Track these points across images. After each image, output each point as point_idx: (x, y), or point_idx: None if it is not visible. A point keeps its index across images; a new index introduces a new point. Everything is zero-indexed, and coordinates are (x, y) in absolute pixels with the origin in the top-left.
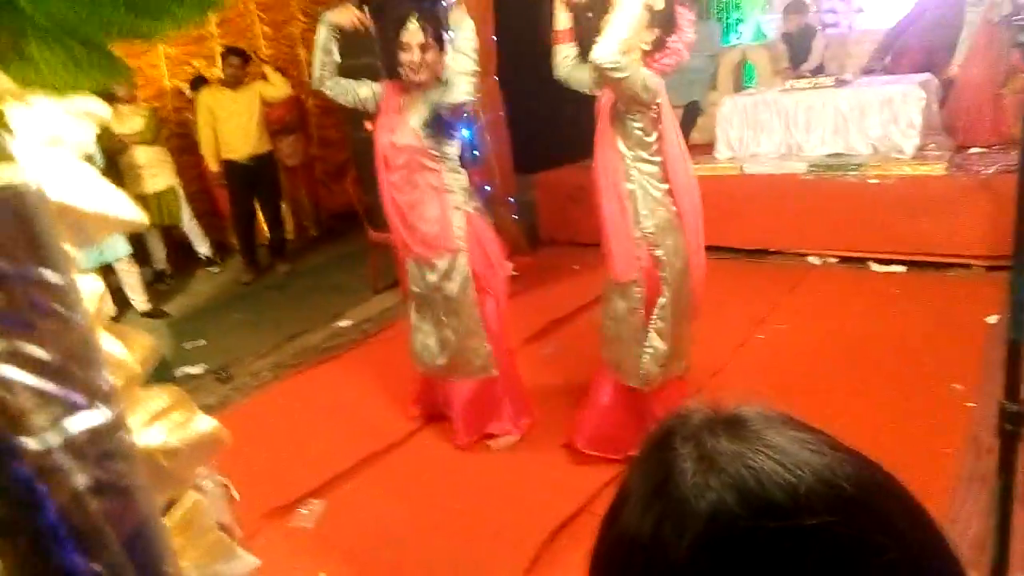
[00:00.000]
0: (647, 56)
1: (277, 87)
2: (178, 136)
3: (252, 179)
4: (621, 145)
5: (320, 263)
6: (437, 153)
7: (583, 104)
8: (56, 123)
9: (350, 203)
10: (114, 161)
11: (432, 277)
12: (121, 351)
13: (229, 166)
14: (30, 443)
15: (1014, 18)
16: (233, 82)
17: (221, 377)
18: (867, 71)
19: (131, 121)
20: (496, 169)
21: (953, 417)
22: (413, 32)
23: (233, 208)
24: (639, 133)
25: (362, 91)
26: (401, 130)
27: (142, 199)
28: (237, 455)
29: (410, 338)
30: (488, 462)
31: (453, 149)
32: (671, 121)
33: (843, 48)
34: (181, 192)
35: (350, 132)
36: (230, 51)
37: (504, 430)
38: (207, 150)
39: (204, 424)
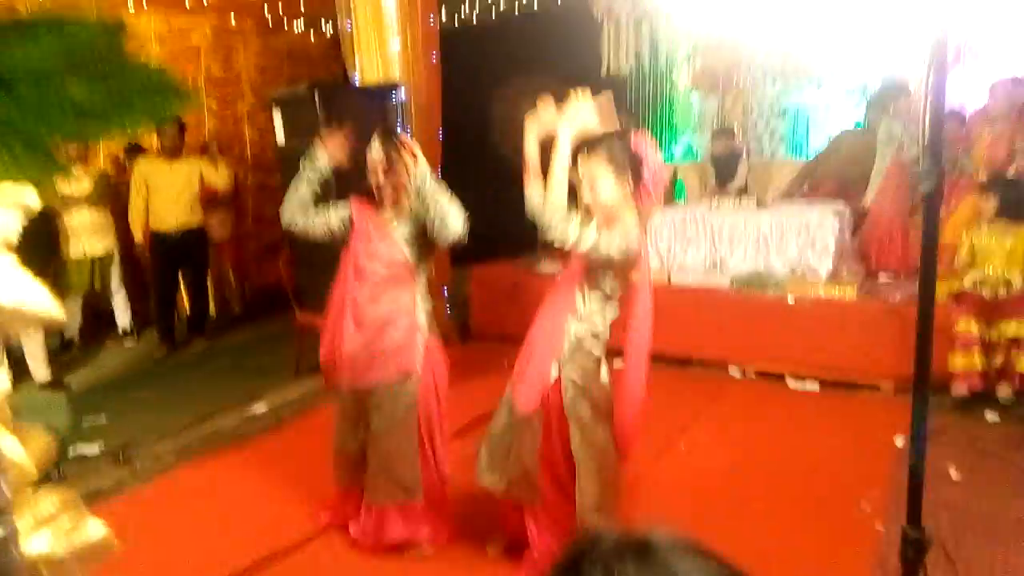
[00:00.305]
0: (631, 199)
1: (222, 177)
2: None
3: (180, 253)
4: (583, 288)
5: (242, 342)
6: (419, 269)
7: (523, 203)
8: None
9: (279, 282)
10: (51, 219)
11: (376, 397)
12: (19, 453)
13: (157, 237)
14: None
15: (912, 170)
16: (169, 152)
17: (118, 459)
18: (787, 196)
19: (79, 182)
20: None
21: (862, 538)
22: (376, 153)
23: (155, 280)
24: (604, 289)
25: (333, 221)
26: (386, 243)
27: (77, 262)
28: (124, 547)
29: (333, 445)
30: (399, 571)
31: (429, 267)
32: (646, 273)
33: (766, 173)
34: (116, 258)
35: None
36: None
37: (418, 542)
38: (136, 219)
39: (94, 530)
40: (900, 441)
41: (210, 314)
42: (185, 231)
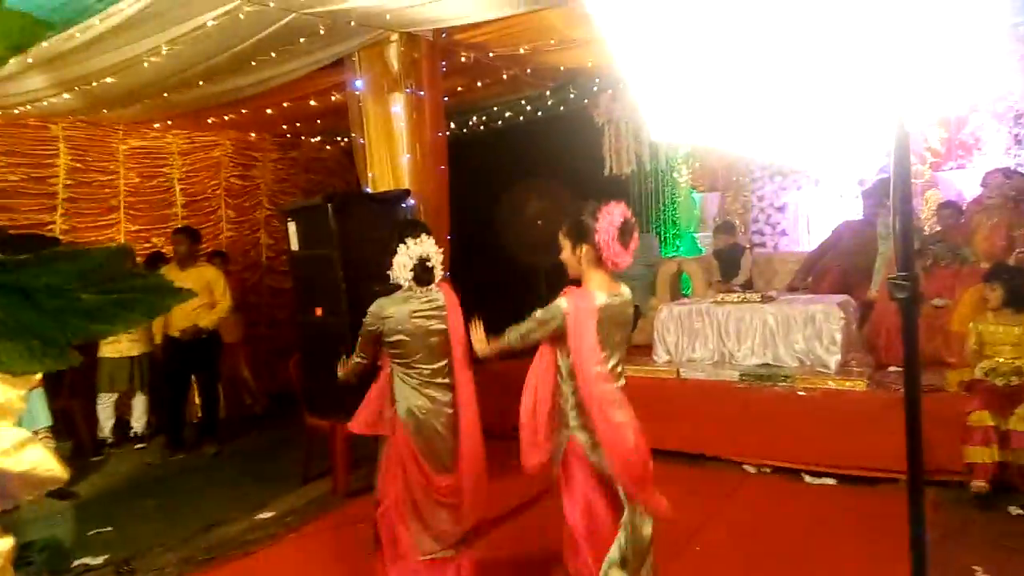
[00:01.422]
0: (596, 265)
1: (221, 307)
2: None
3: (192, 356)
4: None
5: (251, 447)
6: None
7: (532, 304)
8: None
9: (291, 385)
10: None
11: None
12: None
13: (170, 341)
14: None
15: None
16: (182, 260)
17: (122, 570)
18: (791, 288)
19: None
20: None
21: None
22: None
23: (167, 384)
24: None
25: None
26: None
27: (113, 361)
28: None
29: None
30: None
31: None
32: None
33: (769, 266)
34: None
35: (299, 314)
36: (179, 231)
37: None
38: (155, 325)
39: None
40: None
41: (220, 417)
42: (184, 338)
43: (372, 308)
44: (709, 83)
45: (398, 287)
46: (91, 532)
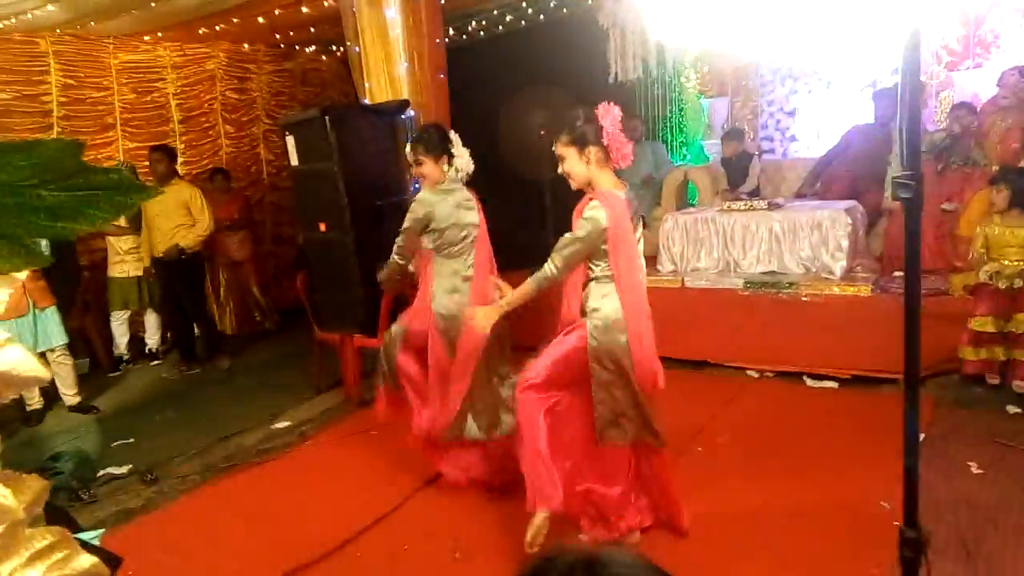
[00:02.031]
0: (604, 165)
1: (200, 226)
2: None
3: (175, 278)
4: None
5: (265, 360)
6: None
7: (533, 212)
8: None
9: (298, 300)
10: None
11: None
12: (7, 499)
13: (157, 263)
14: None
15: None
16: (161, 178)
17: (146, 479)
18: (799, 196)
19: None
20: None
21: (882, 536)
22: (407, 154)
23: (163, 303)
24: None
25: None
26: None
27: (121, 281)
28: (151, 564)
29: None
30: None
31: None
32: (625, 241)
33: (778, 173)
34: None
35: (303, 230)
36: (155, 148)
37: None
38: (143, 246)
39: (83, 562)
40: (921, 436)
41: (228, 333)
42: (169, 257)
43: (420, 198)
44: None
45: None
46: (114, 444)
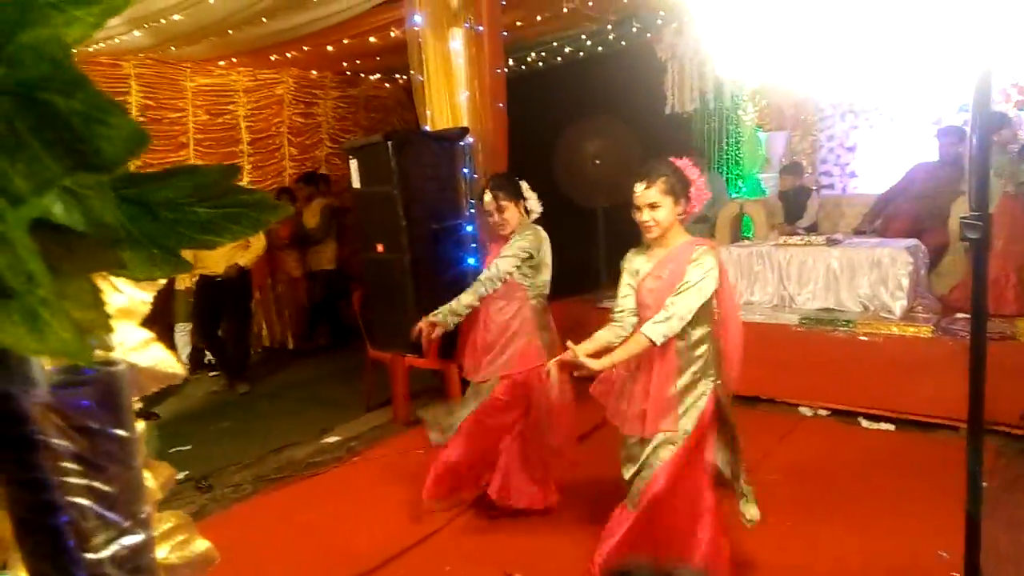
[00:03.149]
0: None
1: (256, 246)
2: None
3: (226, 294)
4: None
5: (316, 375)
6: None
7: (586, 240)
8: (125, 299)
9: (353, 317)
10: None
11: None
12: (151, 481)
13: (202, 280)
14: (89, 556)
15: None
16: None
17: (201, 486)
18: (858, 232)
19: None
20: None
21: None
22: (488, 201)
23: (200, 321)
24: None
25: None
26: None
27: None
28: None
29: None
30: None
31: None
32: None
33: (837, 209)
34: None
35: (362, 250)
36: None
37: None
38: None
39: (200, 545)
40: (983, 485)
41: (249, 356)
42: (228, 276)
43: (533, 230)
44: (778, 16)
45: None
46: (171, 450)
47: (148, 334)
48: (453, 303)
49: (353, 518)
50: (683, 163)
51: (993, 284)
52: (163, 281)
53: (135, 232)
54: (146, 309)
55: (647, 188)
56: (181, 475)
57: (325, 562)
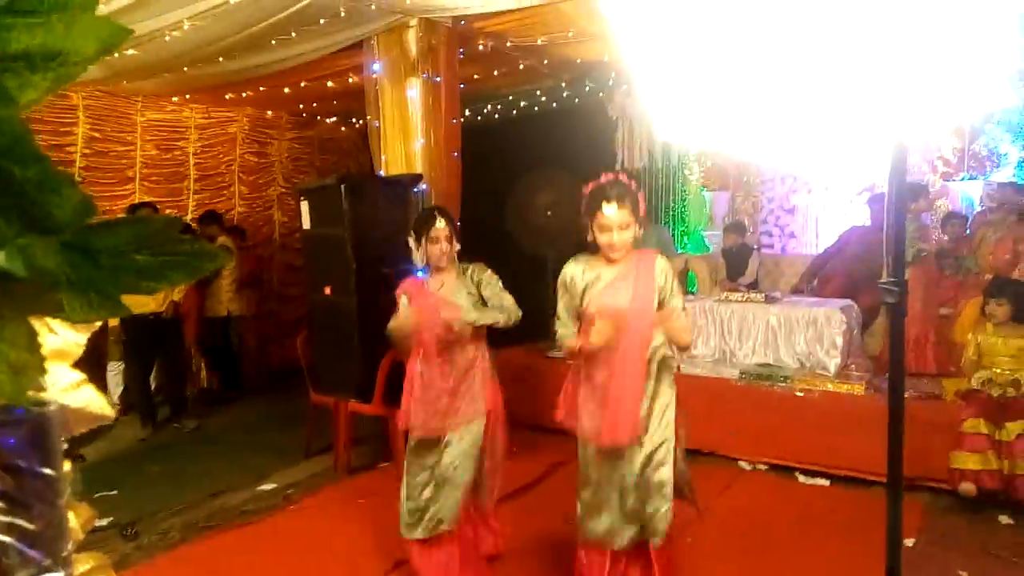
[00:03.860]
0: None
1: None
2: None
3: (155, 336)
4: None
5: (257, 419)
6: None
7: (538, 287)
8: (59, 340)
9: (297, 360)
10: None
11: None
12: (72, 522)
13: (132, 319)
14: None
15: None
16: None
17: (126, 533)
18: (796, 291)
19: None
20: None
21: None
22: (441, 228)
23: (130, 362)
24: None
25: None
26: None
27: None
28: None
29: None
30: None
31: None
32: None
33: (776, 268)
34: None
35: (308, 292)
36: (140, 205)
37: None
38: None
39: None
40: (910, 542)
41: (188, 395)
42: (158, 315)
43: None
44: (718, 85)
45: (408, 271)
46: (96, 495)
47: (80, 376)
48: (483, 316)
49: (286, 569)
50: (628, 181)
51: (915, 344)
52: (98, 324)
53: (75, 277)
54: (79, 351)
55: (620, 208)
56: (105, 521)
57: None
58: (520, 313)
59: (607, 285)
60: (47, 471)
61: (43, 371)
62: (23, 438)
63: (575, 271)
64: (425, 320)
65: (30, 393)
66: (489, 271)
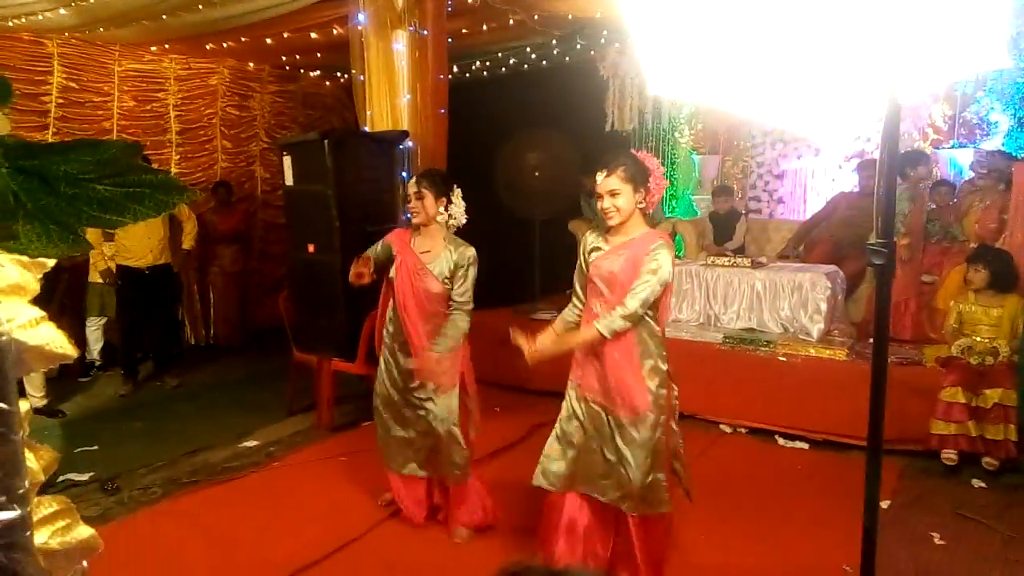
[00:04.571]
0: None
1: (188, 234)
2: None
3: (148, 289)
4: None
5: (238, 377)
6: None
7: (522, 250)
8: (16, 275)
9: (279, 318)
10: None
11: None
12: (33, 463)
13: (125, 272)
14: None
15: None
16: None
17: (107, 488)
18: (782, 256)
19: None
20: None
21: None
22: (410, 184)
23: (121, 315)
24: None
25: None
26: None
27: (103, 287)
28: None
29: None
30: None
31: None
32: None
33: (763, 233)
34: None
35: (291, 250)
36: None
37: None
38: (96, 252)
39: (82, 532)
40: (886, 504)
41: (178, 351)
42: (154, 267)
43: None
44: (713, 41)
45: (390, 229)
46: (77, 450)
47: (39, 312)
48: (453, 338)
49: (267, 525)
50: (642, 154)
51: (894, 309)
52: (51, 262)
53: (31, 205)
54: (36, 288)
55: (607, 176)
56: (86, 476)
57: (234, 571)
58: (469, 317)
59: (602, 255)
60: (1, 404)
61: None
62: None
63: (588, 238)
64: (399, 281)
65: None
66: (471, 265)
